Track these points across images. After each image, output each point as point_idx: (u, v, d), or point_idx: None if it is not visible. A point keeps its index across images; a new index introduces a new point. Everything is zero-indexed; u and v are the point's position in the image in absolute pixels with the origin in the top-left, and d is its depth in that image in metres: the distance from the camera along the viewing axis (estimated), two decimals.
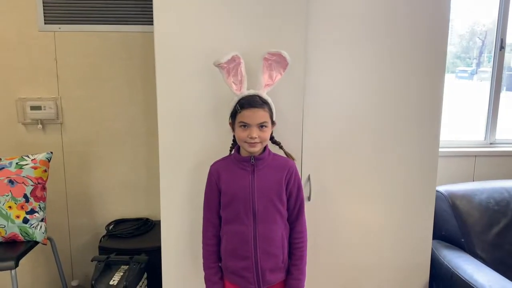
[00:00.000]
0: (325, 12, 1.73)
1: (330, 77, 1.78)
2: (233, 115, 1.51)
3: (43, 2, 2.28)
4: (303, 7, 1.69)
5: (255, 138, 1.46)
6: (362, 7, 1.75)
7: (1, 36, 2.30)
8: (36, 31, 2.31)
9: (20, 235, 2.04)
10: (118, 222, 2.47)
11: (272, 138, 1.61)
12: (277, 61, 1.56)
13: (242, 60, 1.54)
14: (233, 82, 1.54)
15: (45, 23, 2.30)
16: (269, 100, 1.52)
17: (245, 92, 1.52)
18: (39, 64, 2.34)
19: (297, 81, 1.73)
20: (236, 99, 1.51)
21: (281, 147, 1.64)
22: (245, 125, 1.47)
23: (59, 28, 2.32)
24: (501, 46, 2.56)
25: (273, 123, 1.54)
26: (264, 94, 1.53)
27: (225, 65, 1.52)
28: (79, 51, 2.35)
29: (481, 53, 2.89)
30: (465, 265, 1.92)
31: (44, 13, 2.29)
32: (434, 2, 1.78)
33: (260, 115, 1.47)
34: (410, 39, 1.79)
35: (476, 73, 2.90)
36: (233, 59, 1.52)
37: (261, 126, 1.47)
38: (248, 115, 1.46)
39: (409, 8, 1.77)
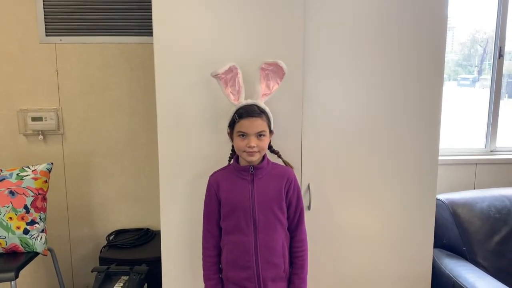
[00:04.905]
0: (322, 21, 1.73)
1: (328, 85, 1.78)
2: (231, 124, 1.52)
3: (44, 15, 2.31)
4: (300, 17, 1.71)
5: (254, 147, 1.46)
6: (359, 16, 1.76)
7: (3, 48, 2.33)
8: (37, 43, 2.34)
9: (21, 246, 2.04)
10: (118, 233, 2.47)
11: (270, 147, 1.61)
12: (274, 70, 1.56)
13: (239, 71, 1.55)
14: (231, 92, 1.55)
15: (46, 35, 2.33)
16: (267, 109, 1.53)
17: (243, 102, 1.53)
18: (40, 75, 2.36)
19: (295, 90, 1.74)
20: (234, 109, 1.52)
21: (279, 156, 1.64)
22: (243, 135, 1.47)
23: (60, 40, 2.34)
24: (500, 54, 2.57)
25: (271, 132, 1.54)
26: (261, 103, 1.53)
27: (223, 76, 1.53)
28: (80, 62, 2.37)
29: (482, 60, 2.89)
30: (467, 274, 1.90)
31: (45, 25, 2.32)
32: (432, 9, 1.78)
33: (258, 124, 1.47)
34: (408, 46, 1.79)
35: (478, 80, 2.90)
36: (231, 70, 1.53)
37: (259, 135, 1.48)
38: (246, 124, 1.47)
39: (408, 15, 1.78)
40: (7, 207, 2.02)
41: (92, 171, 2.47)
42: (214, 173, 1.61)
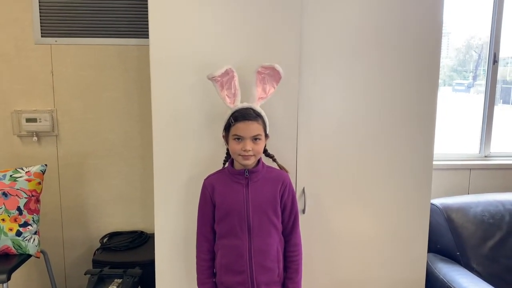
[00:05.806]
0: (318, 25, 1.74)
1: (324, 90, 1.79)
2: (227, 128, 1.52)
3: (40, 15, 2.30)
4: (296, 21, 1.71)
5: (249, 150, 1.46)
6: (355, 21, 1.76)
7: None
8: (33, 44, 2.32)
9: (13, 248, 2.03)
10: (112, 235, 2.46)
11: (265, 151, 1.61)
12: (271, 74, 1.56)
13: (235, 74, 1.55)
14: (226, 95, 1.55)
15: (41, 36, 2.32)
16: (263, 113, 1.53)
17: (239, 105, 1.52)
18: (35, 76, 2.35)
19: (291, 94, 1.74)
20: (229, 112, 1.52)
21: (274, 160, 1.64)
22: (239, 138, 1.47)
23: (56, 41, 2.33)
24: (494, 60, 2.59)
25: (266, 136, 1.54)
26: (257, 107, 1.53)
27: (219, 79, 1.53)
28: (75, 63, 2.36)
29: (477, 66, 2.91)
30: (461, 278, 1.91)
31: (40, 26, 2.31)
32: (428, 15, 1.79)
33: (253, 127, 1.47)
34: (403, 51, 1.80)
35: (473, 86, 2.92)
36: (227, 73, 1.53)
37: (255, 138, 1.47)
38: (242, 127, 1.46)
39: (403, 20, 1.78)
40: (0, 208, 2.01)
41: (87, 173, 2.46)
42: (209, 176, 1.60)
